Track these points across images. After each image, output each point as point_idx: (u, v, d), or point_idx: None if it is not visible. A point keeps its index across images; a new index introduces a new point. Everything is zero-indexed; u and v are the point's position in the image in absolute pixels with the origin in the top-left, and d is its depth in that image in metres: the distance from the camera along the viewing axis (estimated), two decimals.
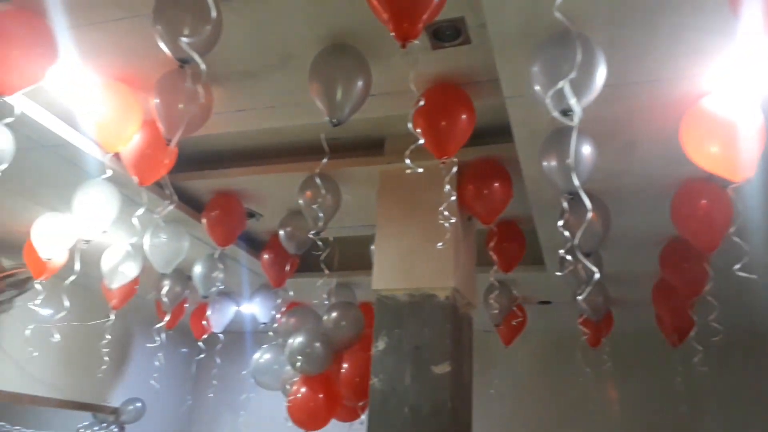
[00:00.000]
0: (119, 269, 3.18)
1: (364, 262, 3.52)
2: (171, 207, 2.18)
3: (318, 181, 2.34)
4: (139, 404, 4.81)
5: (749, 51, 1.57)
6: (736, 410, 4.28)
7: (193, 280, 3.50)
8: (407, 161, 1.78)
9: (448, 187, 2.02)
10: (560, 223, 1.78)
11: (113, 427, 4.71)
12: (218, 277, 3.30)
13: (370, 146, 2.77)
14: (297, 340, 2.51)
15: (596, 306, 3.23)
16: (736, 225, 2.02)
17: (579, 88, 1.46)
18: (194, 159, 2.93)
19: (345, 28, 1.84)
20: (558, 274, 2.24)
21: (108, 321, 3.36)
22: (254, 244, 3.72)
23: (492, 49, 1.69)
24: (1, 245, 3.55)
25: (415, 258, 2.41)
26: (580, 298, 2.24)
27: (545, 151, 1.87)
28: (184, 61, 1.62)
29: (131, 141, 2.17)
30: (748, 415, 4.24)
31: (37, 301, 2.88)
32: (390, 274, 2.43)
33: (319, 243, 2.46)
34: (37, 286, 2.92)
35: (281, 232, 3.09)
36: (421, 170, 1.83)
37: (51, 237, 2.86)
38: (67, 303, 2.55)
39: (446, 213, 2.02)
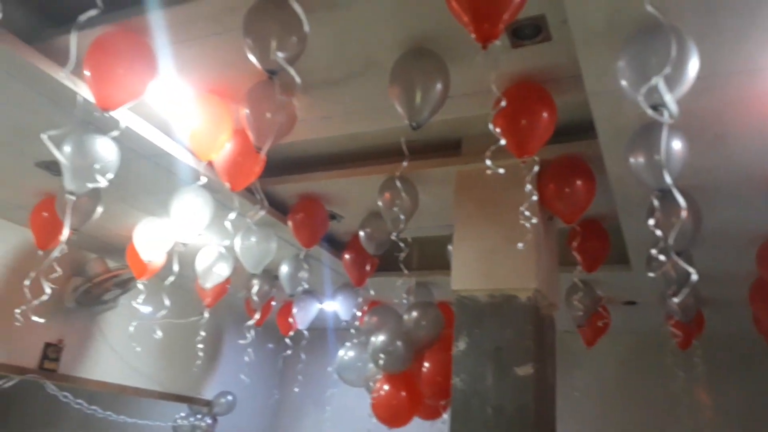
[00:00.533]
0: (213, 270, 3.38)
1: (441, 262, 3.54)
2: (263, 212, 2.29)
3: (398, 183, 2.37)
4: (230, 397, 5.07)
5: None
6: None
7: (279, 280, 3.65)
8: (488, 162, 1.78)
9: (529, 186, 2.01)
10: (651, 221, 1.72)
11: (207, 418, 4.99)
12: (303, 277, 3.43)
13: (446, 147, 2.79)
14: (379, 339, 2.57)
15: (687, 307, 3.08)
16: None
17: (671, 83, 1.41)
18: (279, 164, 3.06)
19: (425, 32, 1.87)
20: (651, 275, 2.15)
21: (202, 318, 3.58)
22: (336, 245, 3.83)
23: (574, 45, 1.66)
24: (107, 248, 3.85)
25: (494, 258, 2.40)
26: (676, 300, 2.15)
27: (632, 147, 1.81)
28: (272, 73, 1.71)
29: (223, 149, 2.31)
30: None
31: (139, 300, 3.11)
32: (469, 274, 2.43)
33: (401, 244, 2.50)
34: (139, 286, 3.15)
35: (361, 233, 3.17)
36: (502, 171, 1.83)
37: (151, 240, 3.08)
38: (167, 302, 2.73)
39: (527, 213, 2.00)
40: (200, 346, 3.50)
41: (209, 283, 3.44)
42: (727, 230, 2.67)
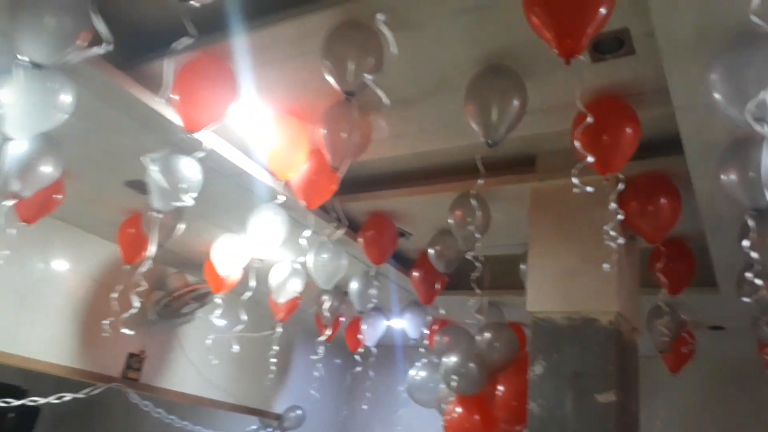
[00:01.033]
0: (286, 285, 3.45)
1: (512, 281, 3.46)
2: (342, 231, 2.32)
3: (473, 201, 2.34)
4: (299, 412, 5.13)
5: None
6: None
7: (349, 296, 3.68)
8: (574, 180, 1.72)
9: (614, 205, 1.93)
10: (745, 243, 1.61)
11: None
12: (373, 294, 3.44)
13: (519, 164, 2.74)
14: (451, 360, 2.53)
15: None
16: None
17: None
18: (350, 182, 3.10)
19: (500, 49, 1.85)
20: (745, 300, 2.02)
21: (275, 333, 3.65)
22: (403, 262, 3.83)
23: (660, 57, 1.60)
24: (186, 263, 4.02)
25: (573, 279, 2.32)
26: None
27: (724, 163, 1.72)
28: (350, 94, 1.74)
29: (300, 168, 2.36)
30: None
31: (217, 314, 3.21)
32: (546, 295, 2.36)
33: (477, 263, 2.46)
34: (217, 300, 3.26)
35: (431, 251, 3.16)
36: (590, 189, 1.76)
37: (228, 256, 3.19)
38: (244, 316, 2.81)
39: (612, 233, 1.92)
40: (273, 360, 3.56)
41: (282, 298, 3.51)
42: None
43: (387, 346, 5.07)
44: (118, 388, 3.88)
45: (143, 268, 2.36)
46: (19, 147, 2.25)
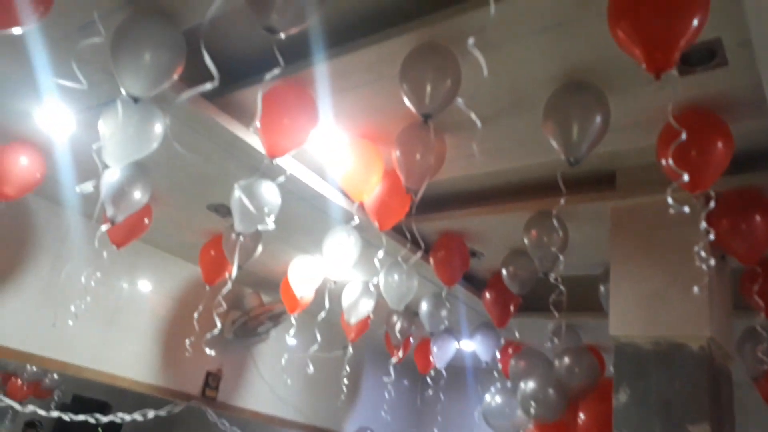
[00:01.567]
0: (357, 305, 3.48)
1: (588, 304, 3.34)
2: (419, 255, 2.32)
3: (555, 221, 2.29)
4: None
5: None
6: None
7: (419, 317, 3.67)
8: (669, 200, 1.65)
9: (704, 224, 1.84)
10: None
11: None
12: (444, 315, 3.41)
13: (598, 181, 2.66)
14: (529, 386, 2.46)
15: None
16: None
17: None
18: (422, 202, 3.10)
19: (580, 65, 1.81)
20: None
21: (347, 353, 3.68)
22: (474, 282, 3.78)
23: (756, 67, 1.52)
24: (261, 283, 4.14)
25: (659, 302, 2.21)
26: None
27: None
28: (427, 116, 1.75)
29: (373, 191, 2.39)
30: None
31: (291, 333, 3.28)
32: (629, 319, 2.26)
33: (560, 286, 2.40)
34: (291, 320, 3.33)
35: (504, 272, 3.10)
36: (687, 210, 1.68)
37: (304, 277, 3.26)
38: (318, 337, 2.85)
39: (703, 253, 1.83)
40: (345, 380, 3.59)
41: (354, 319, 3.54)
42: None
43: (457, 369, 5.00)
44: (197, 406, 4.00)
45: (225, 289, 2.45)
46: (112, 174, 2.41)
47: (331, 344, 4.00)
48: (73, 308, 2.76)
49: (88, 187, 2.00)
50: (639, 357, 2.18)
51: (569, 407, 2.45)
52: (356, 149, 2.37)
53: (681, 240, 2.16)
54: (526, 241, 2.67)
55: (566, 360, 2.51)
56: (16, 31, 1.60)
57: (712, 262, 1.94)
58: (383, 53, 1.88)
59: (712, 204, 1.86)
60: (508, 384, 3.08)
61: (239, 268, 2.96)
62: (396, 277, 3.19)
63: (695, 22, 1.35)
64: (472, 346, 4.22)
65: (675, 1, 1.36)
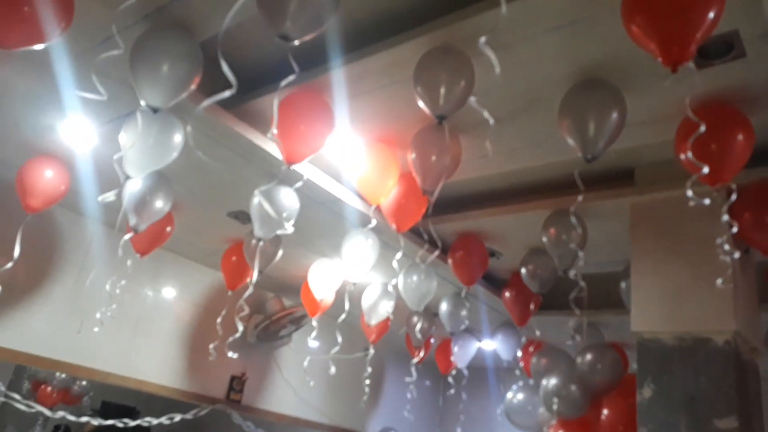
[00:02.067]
0: (377, 307, 3.50)
1: (611, 301, 3.32)
2: (435, 255, 2.33)
3: (573, 219, 2.29)
4: None
5: None
6: None
7: (439, 317, 3.67)
8: (689, 193, 1.65)
9: (726, 217, 1.82)
10: None
11: None
12: (464, 315, 3.42)
13: (616, 178, 2.64)
14: (551, 382, 2.45)
15: None
16: None
17: None
18: (438, 204, 3.11)
19: (595, 62, 1.81)
20: None
21: (368, 354, 3.70)
22: (494, 282, 3.77)
23: None
24: (283, 287, 4.18)
25: (682, 297, 2.20)
26: None
27: None
28: (442, 118, 1.77)
29: (390, 193, 2.41)
30: None
31: (312, 336, 3.31)
32: (652, 314, 2.25)
33: (581, 283, 2.40)
34: (312, 323, 3.36)
35: (523, 271, 3.09)
36: (707, 202, 1.67)
37: (323, 280, 3.28)
38: (339, 338, 2.87)
39: (727, 246, 1.81)
40: (367, 381, 3.61)
41: (374, 320, 3.56)
42: None
43: (479, 368, 5.00)
44: (223, 409, 4.06)
45: (247, 294, 2.49)
46: (134, 184, 2.46)
47: (353, 346, 4.03)
48: (98, 315, 2.81)
49: (110, 197, 2.04)
50: (663, 353, 2.16)
51: (592, 404, 2.44)
52: (372, 153, 2.39)
53: (703, 234, 2.14)
54: (544, 239, 2.66)
55: (588, 356, 2.49)
56: (38, 47, 1.64)
57: (737, 254, 1.92)
58: (396, 57, 1.90)
59: (733, 197, 1.85)
60: (531, 382, 3.07)
61: (260, 272, 3.00)
62: (415, 278, 3.21)
63: (711, 15, 1.34)
64: (494, 345, 4.22)
65: None
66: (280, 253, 2.96)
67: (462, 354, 4.35)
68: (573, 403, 2.40)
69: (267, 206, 2.11)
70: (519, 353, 3.97)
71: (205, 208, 3.13)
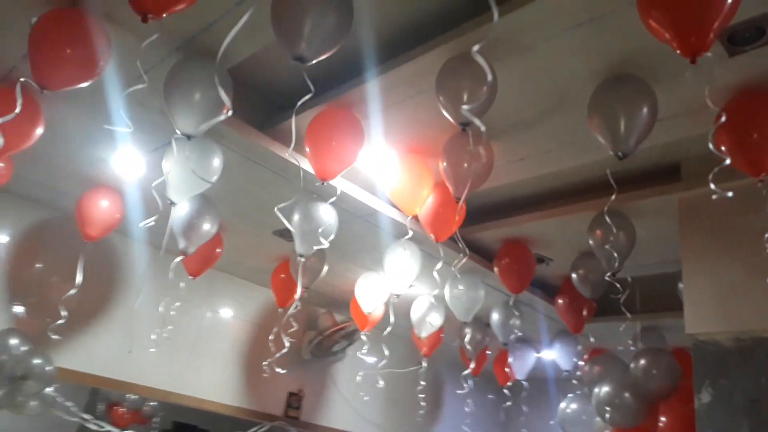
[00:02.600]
0: (426, 319, 3.49)
1: (671, 303, 3.16)
2: (464, 259, 2.32)
3: (608, 219, 2.22)
4: None
5: None
6: None
7: (491, 328, 3.61)
8: (711, 186, 1.58)
9: None
10: None
11: None
12: (515, 324, 3.35)
13: (662, 174, 2.54)
14: (603, 390, 2.36)
15: None
16: None
17: None
18: (481, 211, 3.09)
19: (621, 57, 1.77)
20: None
21: (421, 368, 3.68)
22: (548, 290, 3.68)
23: None
24: (334, 303, 4.23)
25: (737, 296, 2.08)
26: None
27: None
28: (465, 125, 1.76)
29: (425, 203, 2.41)
30: None
31: (364, 350, 3.33)
32: (707, 315, 2.13)
33: (617, 285, 2.31)
34: (362, 337, 3.38)
35: (573, 276, 3.01)
36: (730, 194, 1.60)
37: (369, 293, 3.31)
38: (387, 352, 2.88)
39: None
40: (421, 395, 3.58)
41: (424, 333, 3.55)
42: None
43: (540, 379, 4.86)
44: (282, 426, 4.13)
45: (292, 310, 2.54)
46: (181, 209, 2.57)
47: (408, 360, 4.01)
48: (153, 337, 2.95)
49: (150, 222, 2.16)
50: (720, 355, 2.05)
51: (649, 411, 2.32)
52: (405, 165, 2.40)
53: (756, 228, 2.02)
54: (591, 242, 2.59)
55: (642, 362, 2.38)
56: (82, 85, 1.77)
57: None
58: (419, 67, 1.91)
59: None
60: (586, 390, 2.96)
61: (306, 288, 3.06)
62: (461, 288, 3.18)
63: (729, 1, 1.29)
64: (553, 355, 4.11)
65: None
66: (326, 268, 3.02)
67: (519, 365, 4.26)
68: (626, 411, 2.30)
69: (285, 221, 2.16)
70: (580, 362, 3.84)
71: (252, 228, 3.23)
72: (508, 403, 3.79)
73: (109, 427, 3.69)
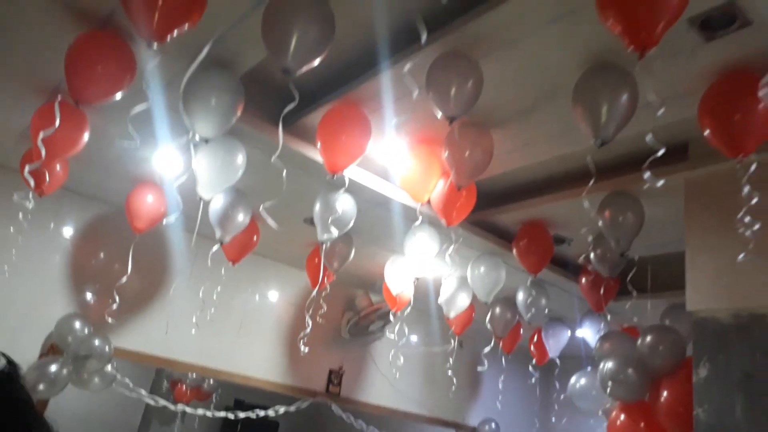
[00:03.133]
0: (455, 300, 3.63)
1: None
2: (453, 246, 2.44)
3: (586, 204, 2.30)
4: (493, 424, 5.20)
5: None
6: None
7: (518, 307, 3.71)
8: (646, 175, 1.66)
9: (747, 188, 1.77)
10: None
11: None
12: (539, 304, 3.44)
13: (673, 154, 2.57)
14: (607, 366, 2.44)
15: None
16: None
17: None
18: (501, 195, 3.19)
19: (603, 46, 1.84)
20: None
21: (452, 346, 3.84)
22: (575, 270, 3.74)
23: None
24: (369, 285, 4.44)
25: (737, 273, 2.11)
26: None
27: None
28: (452, 118, 1.90)
29: (435, 189, 2.56)
30: None
31: (395, 330, 3.52)
32: (707, 292, 2.18)
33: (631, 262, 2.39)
34: (392, 318, 3.57)
35: (592, 255, 3.07)
36: (661, 182, 1.68)
37: (396, 275, 3.49)
38: (416, 334, 3.05)
39: (747, 219, 1.76)
40: (449, 372, 3.75)
41: (453, 313, 3.69)
42: None
43: (575, 357, 4.90)
44: (323, 402, 4.40)
45: (315, 292, 2.75)
46: (216, 201, 2.83)
47: (446, 338, 4.17)
48: (194, 319, 3.24)
49: (171, 219, 2.42)
50: (718, 331, 2.10)
51: (653, 386, 2.39)
52: (415, 154, 2.55)
53: (758, 206, 2.05)
54: (600, 222, 2.65)
55: (648, 339, 2.45)
56: (113, 99, 2.01)
57: (756, 226, 1.84)
58: (414, 65, 2.04)
59: (753, 167, 1.78)
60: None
61: (335, 272, 3.27)
62: (482, 269, 3.31)
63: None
64: (585, 333, 4.17)
65: None
66: (353, 252, 3.21)
67: (553, 343, 4.34)
68: (630, 386, 2.37)
69: (270, 221, 2.36)
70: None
71: (284, 217, 3.42)
72: (532, 380, 3.88)
73: (164, 402, 4.04)
